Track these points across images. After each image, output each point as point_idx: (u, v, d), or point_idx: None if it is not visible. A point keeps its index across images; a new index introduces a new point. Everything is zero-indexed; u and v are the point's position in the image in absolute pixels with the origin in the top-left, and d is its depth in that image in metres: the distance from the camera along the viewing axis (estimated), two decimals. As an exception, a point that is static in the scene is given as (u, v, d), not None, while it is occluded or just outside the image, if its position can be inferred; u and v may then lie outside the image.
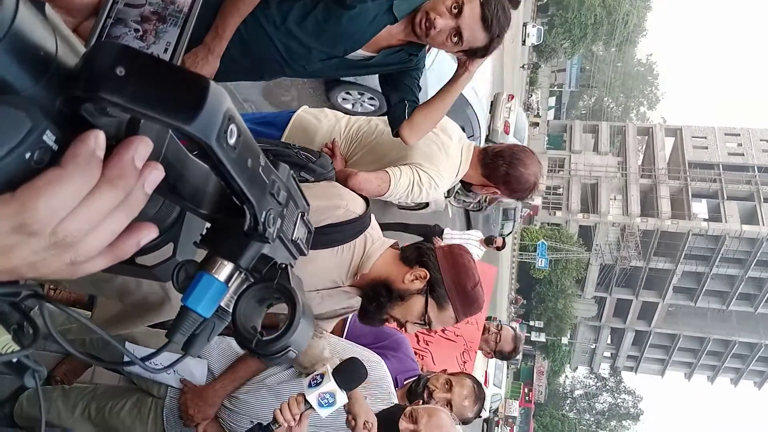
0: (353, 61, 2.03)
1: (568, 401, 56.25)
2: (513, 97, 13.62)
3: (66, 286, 2.50)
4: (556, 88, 52.98)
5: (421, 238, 6.00)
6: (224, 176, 0.44)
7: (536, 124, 39.60)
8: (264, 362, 0.49)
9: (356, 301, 1.75)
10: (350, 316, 2.61)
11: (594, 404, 55.88)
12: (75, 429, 2.20)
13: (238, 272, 0.55)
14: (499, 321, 4.36)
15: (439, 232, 6.13)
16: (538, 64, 42.40)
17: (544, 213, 41.29)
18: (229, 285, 0.54)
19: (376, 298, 1.64)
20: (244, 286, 0.56)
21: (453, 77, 2.06)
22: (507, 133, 13.30)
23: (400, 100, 2.10)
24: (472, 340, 3.94)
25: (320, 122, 2.40)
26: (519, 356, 4.53)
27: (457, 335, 3.88)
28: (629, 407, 54.57)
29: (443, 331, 3.85)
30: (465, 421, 2.62)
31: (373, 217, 1.76)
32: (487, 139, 11.58)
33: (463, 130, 2.56)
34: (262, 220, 0.51)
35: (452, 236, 6.12)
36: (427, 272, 1.64)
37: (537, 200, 36.00)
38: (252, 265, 0.55)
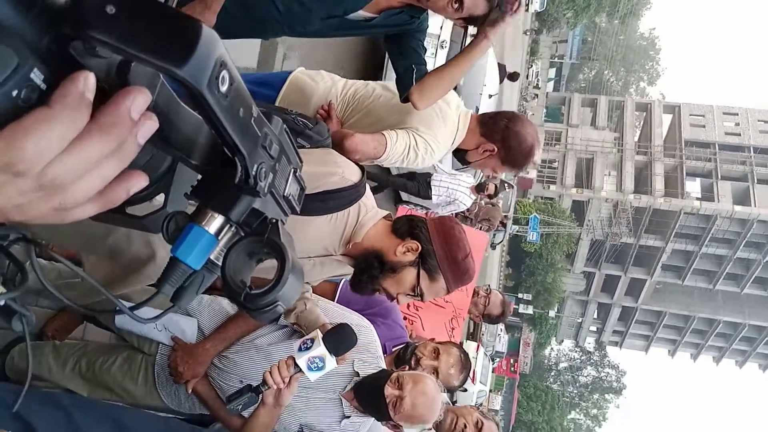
0: (354, 21, 2.00)
1: (552, 373, 57.23)
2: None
3: (58, 242, 2.49)
4: (556, 60, 52.45)
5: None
6: (215, 125, 0.43)
7: (535, 96, 39.37)
8: (252, 316, 0.49)
9: (348, 270, 1.76)
10: (342, 281, 2.62)
11: (578, 377, 56.88)
12: (66, 385, 2.21)
13: (228, 225, 0.54)
14: (488, 285, 4.39)
15: (427, 176, 5.97)
16: (540, 30, 41.85)
17: (538, 186, 41.34)
18: (219, 238, 0.54)
19: (368, 269, 1.64)
20: (234, 240, 0.55)
21: (471, 43, 2.03)
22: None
23: (408, 65, 2.08)
24: (461, 307, 3.99)
25: (317, 84, 2.37)
26: (506, 319, 4.56)
27: (447, 301, 3.92)
28: (612, 381, 55.59)
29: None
30: (450, 389, 2.66)
31: (367, 186, 1.75)
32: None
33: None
34: (254, 173, 0.50)
35: (441, 179, 5.91)
36: (418, 244, 1.64)
37: (532, 173, 36.01)
38: (242, 219, 0.55)
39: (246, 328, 2.09)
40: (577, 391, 56.21)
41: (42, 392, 1.89)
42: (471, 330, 17.59)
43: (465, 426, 2.50)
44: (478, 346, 15.97)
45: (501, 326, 24.62)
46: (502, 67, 10.18)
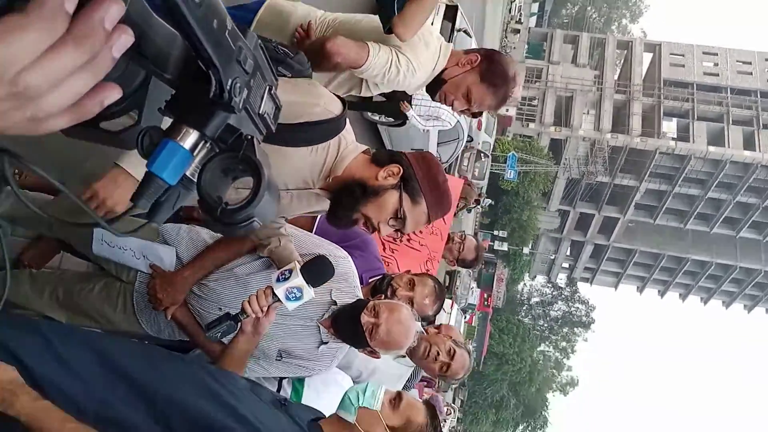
0: None
1: (524, 307, 58.83)
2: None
3: (31, 170, 2.44)
4: (540, -6, 51.30)
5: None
6: (189, 36, 0.43)
7: (517, 31, 38.65)
8: (228, 232, 0.50)
9: (326, 205, 1.76)
10: (320, 215, 2.64)
11: (549, 311, 58.61)
12: (44, 312, 2.22)
13: (203, 142, 0.54)
14: (463, 231, 4.45)
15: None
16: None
17: (517, 124, 41.23)
18: (195, 154, 0.53)
19: (350, 194, 1.63)
20: (210, 156, 0.55)
21: None
22: (479, 129, 15.95)
23: None
24: (435, 250, 4.05)
25: (295, 8, 2.30)
26: (480, 265, 4.65)
27: (422, 245, 3.98)
28: (582, 316, 57.42)
29: (408, 240, 3.93)
30: (425, 318, 2.74)
31: (347, 120, 1.74)
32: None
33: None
34: (228, 87, 0.49)
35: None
36: (400, 167, 1.64)
37: (511, 111, 35.81)
38: (217, 135, 0.54)
39: (224, 256, 2.10)
40: (547, 325, 58.06)
41: (20, 317, 1.90)
42: (447, 284, 17.90)
43: (438, 353, 2.59)
44: (452, 303, 16.46)
45: (473, 282, 25.02)
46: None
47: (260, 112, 0.57)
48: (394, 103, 3.60)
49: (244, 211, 0.53)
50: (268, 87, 0.58)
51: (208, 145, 0.54)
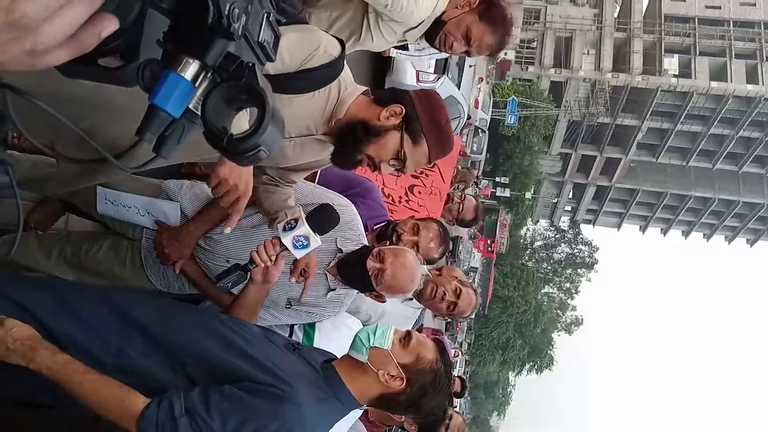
0: None
1: (528, 252, 59.23)
2: (482, 80, 15.45)
3: (30, 130, 2.42)
4: (536, -68, 49.58)
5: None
6: None
7: (513, -27, 37.54)
8: (235, 161, 0.50)
9: (329, 153, 1.76)
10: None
11: (552, 254, 59.03)
12: (54, 272, 2.25)
13: (204, 72, 0.53)
14: (463, 191, 4.45)
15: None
16: None
17: (516, 68, 40.57)
18: (197, 85, 0.53)
19: (353, 135, 1.62)
20: (212, 86, 0.54)
21: None
22: (476, 107, 17.72)
23: None
24: (434, 211, 4.04)
25: None
26: (480, 223, 4.69)
27: (420, 205, 3.97)
28: (585, 257, 57.84)
29: (407, 201, 3.92)
30: (430, 262, 2.78)
31: (345, 62, 1.72)
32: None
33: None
34: (226, 13, 0.48)
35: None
36: (402, 108, 1.64)
37: (510, 54, 35.18)
38: (218, 64, 0.53)
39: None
40: (551, 268, 58.57)
41: (34, 277, 1.93)
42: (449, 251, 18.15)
43: (444, 293, 2.63)
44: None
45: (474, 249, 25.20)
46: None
47: (259, 40, 0.56)
48: None
49: (250, 140, 0.53)
50: (266, 14, 0.57)
51: (209, 75, 0.54)
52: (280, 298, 2.12)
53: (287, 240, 1.72)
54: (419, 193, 3.97)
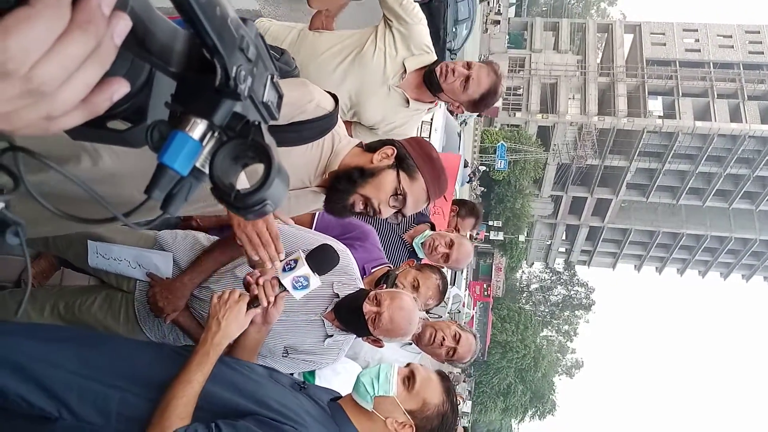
0: None
1: (524, 294, 59.07)
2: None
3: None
4: (517, -16, 51.43)
5: None
6: (194, 23, 0.44)
7: (497, 23, 38.72)
8: (242, 215, 0.51)
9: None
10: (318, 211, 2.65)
11: (549, 296, 58.85)
12: None
13: (211, 131, 0.55)
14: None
15: None
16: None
17: (504, 114, 41.33)
18: (204, 144, 0.54)
19: (347, 178, 1.63)
20: (219, 144, 0.56)
21: None
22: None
23: None
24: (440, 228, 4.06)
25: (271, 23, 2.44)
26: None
27: None
28: (582, 298, 57.68)
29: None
30: (426, 310, 2.77)
31: (339, 116, 1.74)
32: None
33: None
34: (233, 75, 0.51)
35: None
36: (393, 148, 1.66)
37: (497, 102, 35.89)
38: (225, 123, 0.55)
39: (223, 258, 2.10)
40: (548, 310, 58.28)
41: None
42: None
43: (444, 338, 2.60)
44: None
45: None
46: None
47: (264, 100, 0.58)
48: None
49: (258, 194, 0.54)
50: (269, 76, 0.59)
51: (216, 134, 0.55)
52: (276, 346, 2.08)
53: (287, 281, 1.70)
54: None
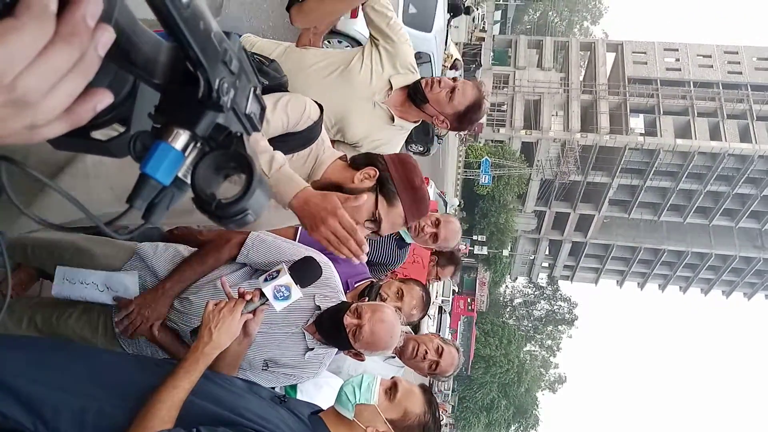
0: None
1: (508, 309, 59.18)
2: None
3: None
4: (502, 2, 52.05)
5: None
6: (178, 37, 0.45)
7: (482, 39, 39.13)
8: (223, 224, 0.51)
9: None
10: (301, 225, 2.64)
11: (532, 311, 59.04)
12: None
13: (194, 142, 0.55)
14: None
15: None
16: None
17: (488, 130, 41.66)
18: (186, 154, 0.55)
19: None
20: (201, 155, 0.56)
21: None
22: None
23: None
24: (418, 278, 4.05)
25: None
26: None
27: (405, 275, 4.00)
28: (565, 313, 57.93)
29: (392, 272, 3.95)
30: (410, 323, 2.76)
31: (323, 125, 1.75)
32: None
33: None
34: (216, 87, 0.51)
35: None
36: (376, 170, 1.65)
37: (482, 118, 36.17)
38: (208, 134, 0.56)
39: (202, 268, 2.08)
40: (531, 325, 58.44)
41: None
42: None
43: (426, 352, 2.60)
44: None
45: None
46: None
47: (247, 112, 0.59)
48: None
49: (238, 204, 0.55)
50: (252, 88, 0.60)
51: (199, 144, 0.56)
52: (257, 359, 2.06)
53: (268, 290, 1.68)
54: (403, 266, 4.01)
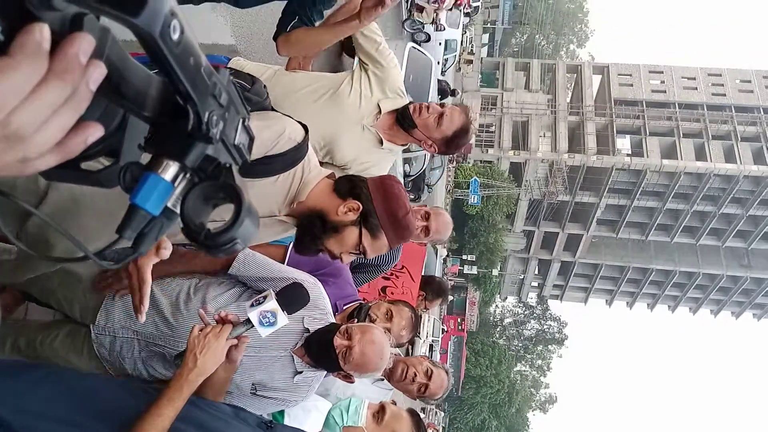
0: None
1: (498, 329, 59.08)
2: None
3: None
4: (489, 25, 52.79)
5: None
6: (168, 73, 0.46)
7: (470, 62, 39.56)
8: (212, 254, 0.52)
9: (291, 231, 1.76)
10: (290, 244, 2.63)
11: (522, 331, 58.97)
12: None
13: (183, 173, 0.56)
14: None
15: None
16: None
17: (477, 150, 41.95)
18: (176, 185, 0.55)
19: (311, 230, 1.65)
20: (191, 185, 0.57)
21: (345, 19, 2.13)
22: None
23: (294, 13, 2.19)
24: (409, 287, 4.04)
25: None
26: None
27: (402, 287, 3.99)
28: (555, 333, 57.91)
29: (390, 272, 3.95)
30: (399, 346, 2.75)
31: (310, 145, 1.75)
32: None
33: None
34: (205, 120, 0.52)
35: None
36: (359, 204, 1.65)
37: (470, 140, 36.42)
38: (197, 165, 0.56)
39: (195, 261, 2.12)
40: (522, 344, 58.32)
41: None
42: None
43: (415, 374, 2.58)
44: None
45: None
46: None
47: (236, 143, 0.60)
48: None
49: (227, 234, 0.55)
50: (241, 119, 0.61)
51: (188, 175, 0.56)
52: (244, 382, 2.04)
53: (254, 315, 1.67)
54: (392, 293, 3.99)
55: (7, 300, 2.42)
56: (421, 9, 13.55)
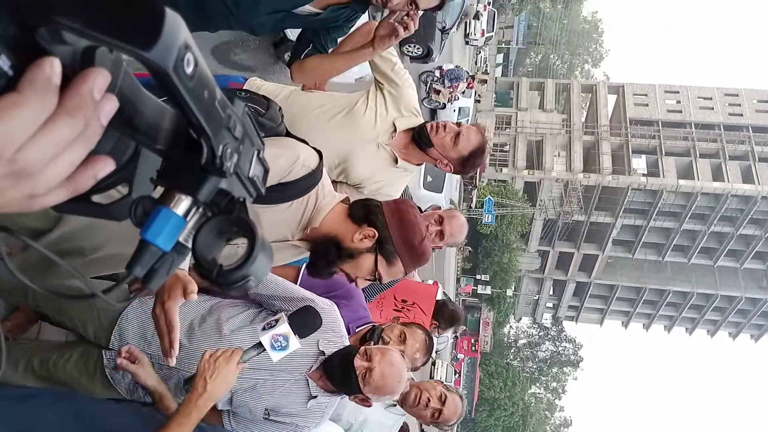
0: (300, 16, 2.00)
1: (512, 350, 58.48)
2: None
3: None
4: (504, 45, 53.07)
5: None
6: (181, 107, 0.45)
7: (484, 82, 39.74)
8: (225, 291, 0.51)
9: (304, 255, 1.75)
10: (303, 266, 2.62)
11: (537, 352, 58.32)
12: (19, 384, 2.14)
13: (195, 207, 0.55)
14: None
15: None
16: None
17: (491, 170, 41.93)
18: (188, 219, 0.54)
19: (325, 255, 1.64)
20: (203, 220, 0.56)
21: (360, 47, 2.14)
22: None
23: (309, 40, 2.18)
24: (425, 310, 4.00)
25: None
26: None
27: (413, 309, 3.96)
28: (570, 354, 57.21)
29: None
30: (414, 369, 2.71)
31: (324, 170, 1.74)
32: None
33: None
34: (219, 153, 0.51)
35: None
36: (375, 231, 1.64)
37: (485, 161, 36.46)
38: (210, 200, 0.55)
39: None
40: (536, 366, 57.65)
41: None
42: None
43: (429, 399, 2.54)
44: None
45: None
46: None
47: (250, 175, 0.58)
48: None
49: (240, 271, 0.54)
50: (256, 151, 0.60)
51: (201, 210, 0.55)
52: (257, 407, 2.02)
53: (266, 338, 1.65)
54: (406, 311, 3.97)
55: (20, 320, 2.43)
56: (438, 92, 16.94)
